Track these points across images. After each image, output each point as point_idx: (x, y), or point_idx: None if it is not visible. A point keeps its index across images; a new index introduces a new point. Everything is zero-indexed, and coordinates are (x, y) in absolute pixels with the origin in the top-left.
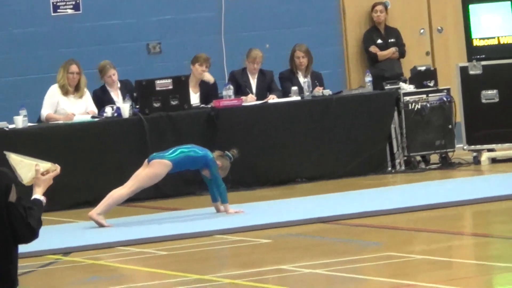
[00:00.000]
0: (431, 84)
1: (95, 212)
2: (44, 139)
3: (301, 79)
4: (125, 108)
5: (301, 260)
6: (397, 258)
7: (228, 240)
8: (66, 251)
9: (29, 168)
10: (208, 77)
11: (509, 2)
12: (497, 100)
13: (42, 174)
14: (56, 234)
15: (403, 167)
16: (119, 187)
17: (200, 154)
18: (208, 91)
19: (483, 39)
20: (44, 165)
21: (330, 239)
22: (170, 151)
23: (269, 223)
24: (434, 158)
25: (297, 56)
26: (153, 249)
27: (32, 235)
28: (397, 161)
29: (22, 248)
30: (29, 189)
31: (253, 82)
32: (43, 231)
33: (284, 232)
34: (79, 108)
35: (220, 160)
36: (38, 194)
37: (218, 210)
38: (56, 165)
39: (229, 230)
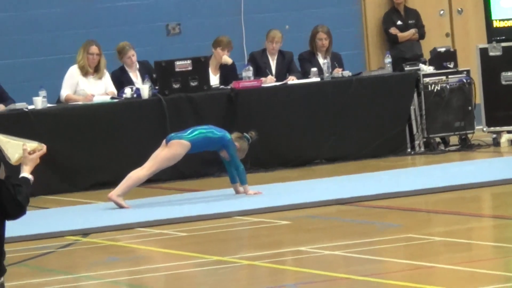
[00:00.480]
0: (451, 65)
1: (114, 193)
2: (63, 120)
3: (321, 60)
4: (145, 89)
5: (320, 242)
6: (416, 240)
7: (247, 222)
8: (85, 232)
9: (16, 148)
10: (226, 59)
11: None
12: None
13: (29, 153)
14: (75, 215)
15: (422, 149)
16: (138, 168)
17: (218, 135)
18: (228, 73)
19: (503, 20)
20: (31, 145)
21: (349, 221)
22: (189, 132)
23: (288, 205)
24: (454, 139)
25: (320, 38)
26: (172, 230)
27: (20, 211)
28: (417, 142)
29: (42, 228)
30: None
31: (273, 64)
32: (63, 212)
33: (303, 214)
34: (99, 89)
35: (238, 141)
36: (25, 173)
37: (237, 192)
38: (43, 144)
39: (248, 211)
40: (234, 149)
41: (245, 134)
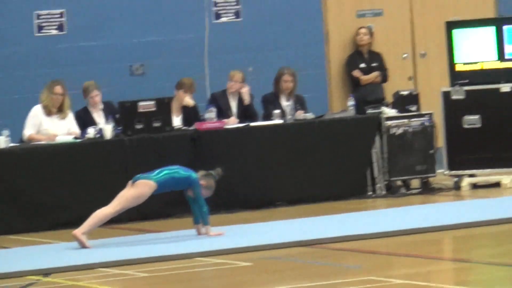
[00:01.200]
0: (414, 108)
1: (79, 231)
2: (26, 159)
3: (284, 102)
4: (108, 129)
5: (282, 283)
6: (376, 283)
7: (208, 263)
8: (47, 272)
9: None
10: (188, 101)
11: (494, 28)
12: (479, 125)
13: None
14: (36, 254)
15: (384, 192)
16: (103, 207)
17: (184, 174)
18: (190, 114)
19: (467, 64)
20: None
21: (311, 262)
22: (155, 172)
23: (250, 246)
24: (415, 183)
25: (285, 80)
26: (134, 271)
27: None
28: (378, 185)
29: (2, 268)
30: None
31: (234, 104)
32: (24, 251)
33: (265, 255)
34: (62, 129)
35: (204, 179)
36: None
37: (199, 233)
38: None
39: (210, 252)
40: (200, 189)
41: (210, 171)
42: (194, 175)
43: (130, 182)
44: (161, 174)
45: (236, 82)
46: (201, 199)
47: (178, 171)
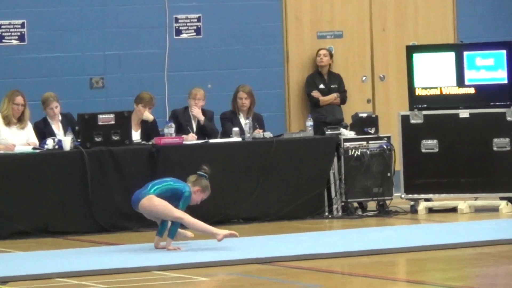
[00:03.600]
0: (372, 131)
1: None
2: None
3: (243, 120)
4: (67, 141)
5: None
6: None
7: (167, 277)
8: (4, 280)
9: None
10: (147, 116)
11: (453, 53)
12: (436, 150)
13: None
14: None
15: (340, 213)
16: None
17: (178, 186)
18: (149, 129)
19: (426, 88)
20: None
21: (267, 279)
22: (149, 187)
23: (207, 262)
24: (372, 205)
25: (240, 97)
26: (91, 282)
27: None
28: (335, 206)
29: None
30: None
31: (194, 121)
32: None
33: (222, 271)
34: (21, 139)
35: (197, 183)
36: None
37: (156, 246)
38: None
39: (168, 266)
40: (187, 203)
41: (199, 173)
42: (187, 188)
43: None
44: (155, 187)
45: (200, 100)
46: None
47: (170, 183)
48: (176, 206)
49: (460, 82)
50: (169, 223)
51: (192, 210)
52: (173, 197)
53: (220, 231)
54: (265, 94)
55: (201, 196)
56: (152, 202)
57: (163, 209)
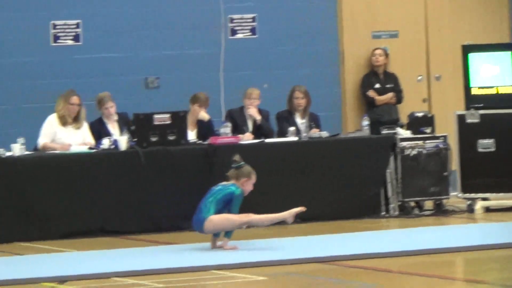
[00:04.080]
0: (428, 130)
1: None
2: (40, 168)
3: (299, 120)
4: (123, 141)
5: None
6: None
7: (224, 276)
8: (62, 279)
9: None
10: (203, 115)
11: (509, 52)
12: (493, 149)
13: None
14: (51, 262)
15: (397, 212)
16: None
17: (226, 192)
18: (204, 129)
19: (482, 88)
20: None
21: (324, 279)
22: (204, 210)
23: (264, 261)
24: (428, 204)
25: (296, 97)
26: (149, 281)
27: None
28: (391, 205)
29: (16, 274)
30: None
31: (250, 121)
32: (38, 259)
33: (279, 271)
34: (76, 139)
35: (240, 175)
36: None
37: (213, 246)
38: None
39: (226, 265)
40: (238, 203)
41: (233, 166)
42: (234, 188)
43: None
44: (208, 207)
45: (255, 100)
46: (235, 212)
47: (217, 193)
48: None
49: None
50: None
51: (250, 209)
52: (228, 202)
53: (287, 213)
54: (320, 94)
55: (251, 183)
56: (213, 223)
57: (227, 224)
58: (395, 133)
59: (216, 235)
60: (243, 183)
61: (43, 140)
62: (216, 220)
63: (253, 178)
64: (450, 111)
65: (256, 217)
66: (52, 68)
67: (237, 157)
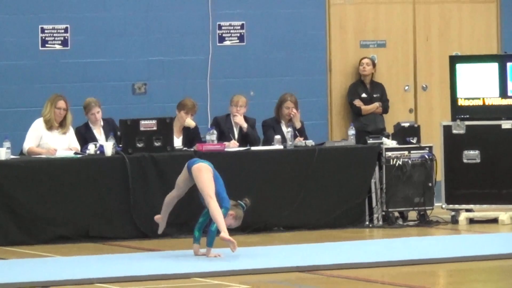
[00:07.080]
0: (414, 141)
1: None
2: (26, 172)
3: (284, 128)
4: (108, 146)
5: None
6: None
7: (207, 284)
8: (45, 285)
9: None
10: (189, 122)
11: (497, 64)
12: (478, 160)
13: None
14: (34, 267)
15: (380, 222)
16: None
17: (224, 195)
18: (190, 135)
19: (468, 99)
20: None
21: (308, 287)
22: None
23: (248, 269)
24: (412, 215)
25: (287, 106)
26: None
27: None
28: (375, 215)
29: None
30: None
31: (236, 129)
32: (22, 263)
33: (263, 279)
34: (62, 144)
35: (233, 209)
36: None
37: (196, 253)
38: None
39: (209, 273)
40: (225, 213)
41: (239, 201)
42: (228, 205)
43: (185, 167)
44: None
45: (242, 107)
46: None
47: (221, 188)
48: (202, 202)
49: (503, 93)
50: (212, 226)
51: None
52: (220, 191)
53: (226, 233)
54: (307, 102)
55: (231, 222)
56: (204, 173)
57: (206, 183)
58: (381, 143)
59: (197, 242)
60: (229, 215)
61: (28, 144)
62: (207, 173)
63: (236, 223)
64: (436, 122)
65: (216, 207)
66: (40, 72)
67: (248, 200)
